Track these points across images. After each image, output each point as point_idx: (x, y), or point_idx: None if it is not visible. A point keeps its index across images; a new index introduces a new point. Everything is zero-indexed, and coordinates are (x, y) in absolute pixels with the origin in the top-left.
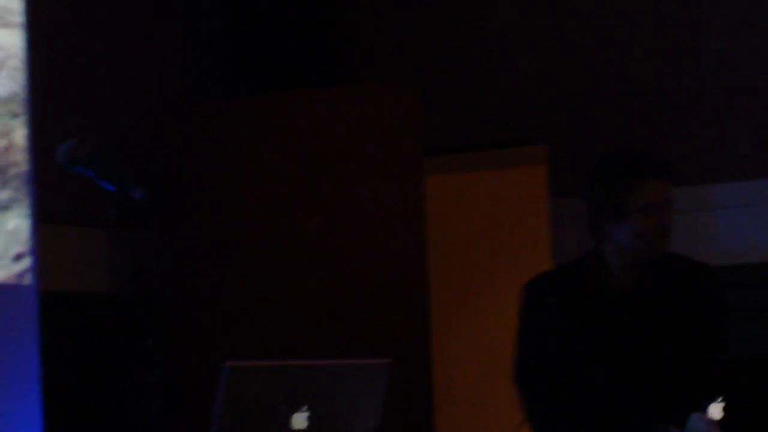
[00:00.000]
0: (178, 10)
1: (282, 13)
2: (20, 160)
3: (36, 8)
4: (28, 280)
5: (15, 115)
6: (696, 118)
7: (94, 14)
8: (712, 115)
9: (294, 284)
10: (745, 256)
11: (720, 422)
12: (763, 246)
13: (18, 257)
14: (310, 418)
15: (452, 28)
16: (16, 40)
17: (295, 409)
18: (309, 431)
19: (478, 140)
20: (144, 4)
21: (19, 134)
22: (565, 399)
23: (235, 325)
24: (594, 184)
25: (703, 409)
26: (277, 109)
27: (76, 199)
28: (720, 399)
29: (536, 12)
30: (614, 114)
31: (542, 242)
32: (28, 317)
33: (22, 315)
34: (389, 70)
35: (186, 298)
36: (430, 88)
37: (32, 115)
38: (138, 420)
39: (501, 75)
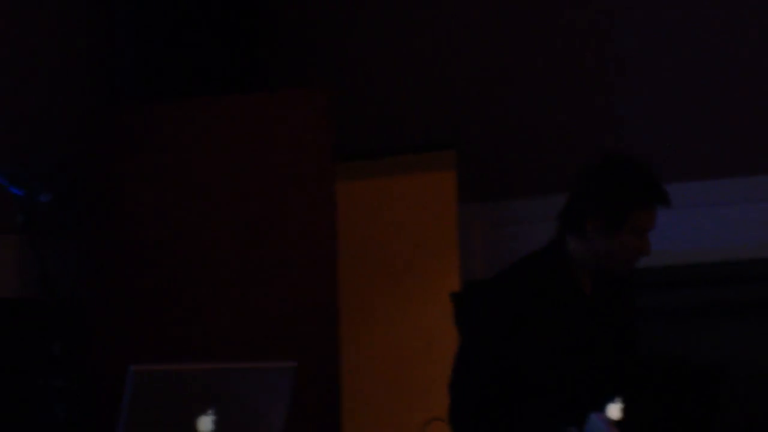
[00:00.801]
0: (93, 12)
1: (198, 18)
2: None
3: None
4: None
5: None
6: (603, 123)
7: (4, 15)
8: (619, 120)
9: (203, 288)
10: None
11: (618, 422)
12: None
13: None
14: (216, 421)
15: (365, 33)
16: None
17: (202, 412)
18: None
19: (387, 146)
20: (56, 5)
21: None
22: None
23: (143, 329)
24: (599, 184)
25: (603, 408)
26: (189, 116)
27: None
28: (618, 399)
29: (446, 17)
30: (524, 120)
31: (451, 247)
32: None
33: None
34: (303, 76)
35: (95, 302)
36: (342, 94)
37: None
38: (44, 424)
39: (411, 80)
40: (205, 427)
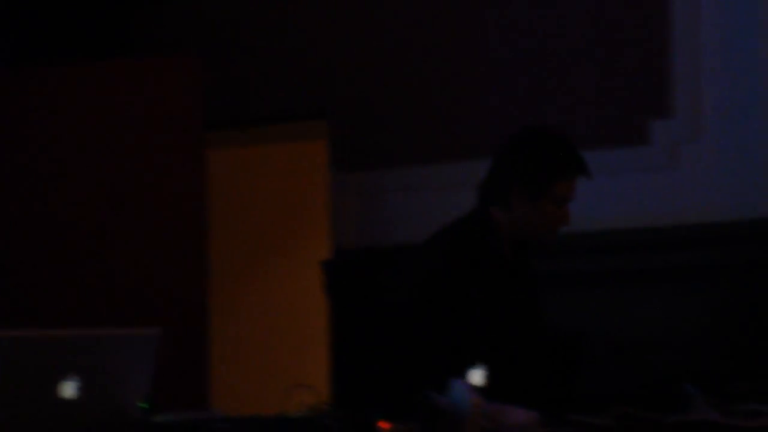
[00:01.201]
0: None
1: None
2: None
3: None
4: None
5: None
6: (470, 95)
7: None
8: (477, 93)
9: (72, 256)
10: None
11: (481, 388)
12: None
13: None
14: (79, 387)
15: (238, 2)
16: None
17: (63, 378)
18: (78, 401)
19: (259, 115)
20: None
21: None
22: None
23: (7, 295)
24: (523, 155)
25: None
26: (58, 82)
27: None
28: (481, 366)
29: None
30: (395, 90)
31: (322, 216)
32: None
33: None
34: (176, 43)
35: None
36: (213, 62)
37: None
38: None
39: (283, 50)
40: (68, 393)
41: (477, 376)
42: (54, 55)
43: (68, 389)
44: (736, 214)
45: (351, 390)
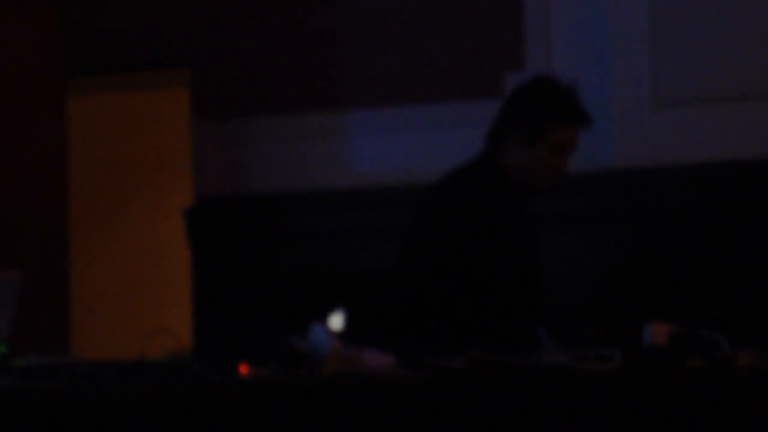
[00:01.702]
0: None
1: None
2: None
3: None
4: None
5: None
6: (331, 45)
7: None
8: (345, 42)
9: None
10: (377, 180)
11: (340, 333)
12: (392, 170)
13: None
14: None
15: None
16: None
17: None
18: None
19: (120, 62)
20: None
21: None
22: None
23: None
24: (522, 101)
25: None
26: None
27: None
28: (340, 309)
29: None
30: (257, 39)
31: (184, 165)
32: None
33: None
34: None
35: None
36: (75, 7)
37: None
38: None
39: None
40: None
41: (336, 321)
42: None
43: None
44: (585, 166)
45: (213, 335)
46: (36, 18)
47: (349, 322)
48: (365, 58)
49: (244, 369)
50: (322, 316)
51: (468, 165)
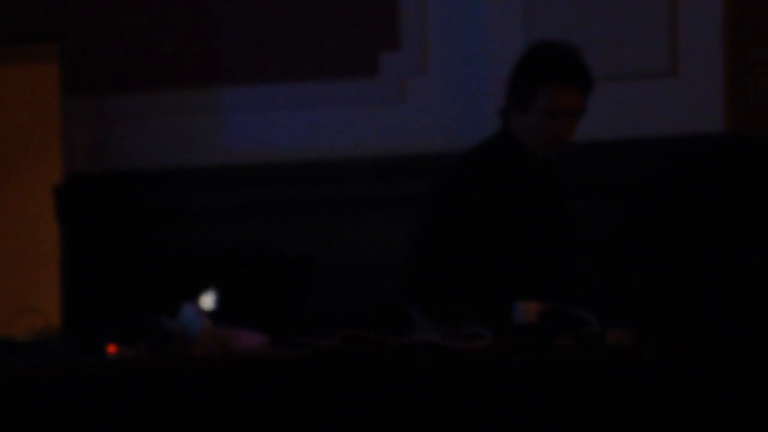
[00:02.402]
0: None
1: None
2: None
3: None
4: None
5: None
6: (200, 22)
7: None
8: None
9: None
10: (251, 158)
11: (211, 312)
12: (266, 148)
13: None
14: None
15: None
16: None
17: None
18: None
19: None
20: None
21: None
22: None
23: None
24: (520, 64)
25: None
26: None
27: None
28: (212, 289)
29: None
30: (128, 14)
31: (53, 141)
32: None
33: None
34: None
35: None
36: None
37: None
38: None
39: None
40: None
41: (208, 301)
42: None
43: None
44: (460, 145)
45: (82, 315)
46: None
47: (222, 301)
48: (241, 35)
49: (112, 349)
50: (194, 296)
51: (487, 137)
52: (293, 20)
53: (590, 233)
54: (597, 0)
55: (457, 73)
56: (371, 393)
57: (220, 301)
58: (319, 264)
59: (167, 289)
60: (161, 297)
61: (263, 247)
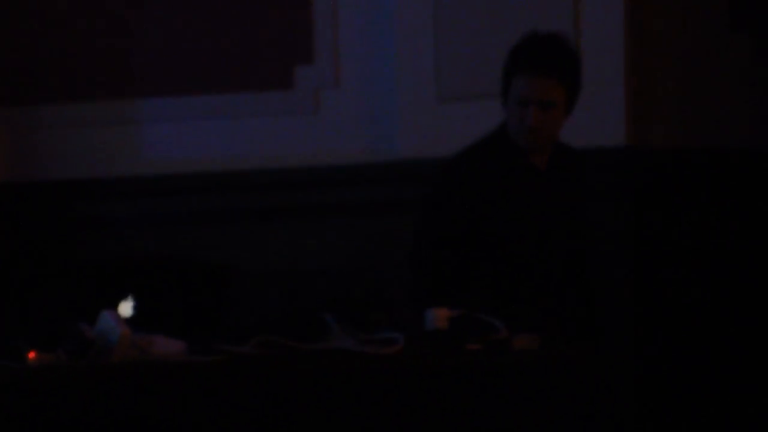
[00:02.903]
0: None
1: None
2: None
3: None
4: None
5: None
6: (120, 35)
7: None
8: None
9: None
10: (168, 168)
11: (129, 319)
12: (184, 158)
13: None
14: None
15: None
16: None
17: None
18: None
19: None
20: None
21: None
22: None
23: None
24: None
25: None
26: None
27: None
28: (130, 296)
29: None
30: (47, 29)
31: None
32: None
33: None
34: None
35: None
36: None
37: None
38: None
39: None
40: None
41: (126, 308)
42: None
43: None
44: (372, 156)
45: (2, 322)
46: None
47: (140, 309)
48: (159, 48)
49: (32, 355)
50: (113, 304)
51: (488, 131)
52: (211, 34)
53: None
54: (505, 17)
55: (368, 86)
56: (288, 398)
57: (138, 309)
58: (235, 272)
59: (86, 297)
60: (80, 304)
61: (180, 256)
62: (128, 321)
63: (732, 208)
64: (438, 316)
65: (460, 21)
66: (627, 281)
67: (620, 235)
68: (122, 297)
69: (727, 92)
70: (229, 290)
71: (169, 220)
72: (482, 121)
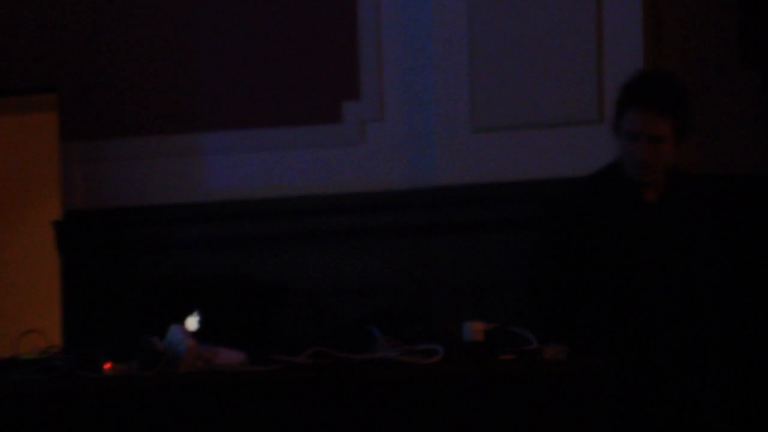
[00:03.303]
0: None
1: None
2: None
3: None
4: None
5: None
6: (183, 73)
7: None
8: (200, 72)
9: None
10: (228, 195)
11: (195, 333)
12: (243, 186)
13: None
14: None
15: None
16: None
17: None
18: None
19: None
20: None
21: None
22: (575, 307)
23: None
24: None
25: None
26: None
27: None
28: (196, 312)
29: None
30: (120, 67)
31: (53, 185)
32: None
33: None
34: None
35: None
36: None
37: None
38: None
39: (15, 25)
40: None
41: (192, 322)
42: None
43: None
44: (413, 183)
45: (80, 336)
46: None
47: (204, 323)
48: (221, 86)
49: (108, 366)
50: (180, 319)
51: (595, 172)
52: (267, 73)
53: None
54: (535, 58)
55: (409, 119)
56: (340, 403)
57: (203, 323)
58: (290, 289)
59: (156, 313)
60: (151, 319)
61: (240, 275)
62: (194, 334)
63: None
64: (475, 329)
65: (492, 59)
66: None
67: None
68: (189, 313)
69: (737, 125)
70: (285, 306)
71: (230, 243)
72: (512, 150)
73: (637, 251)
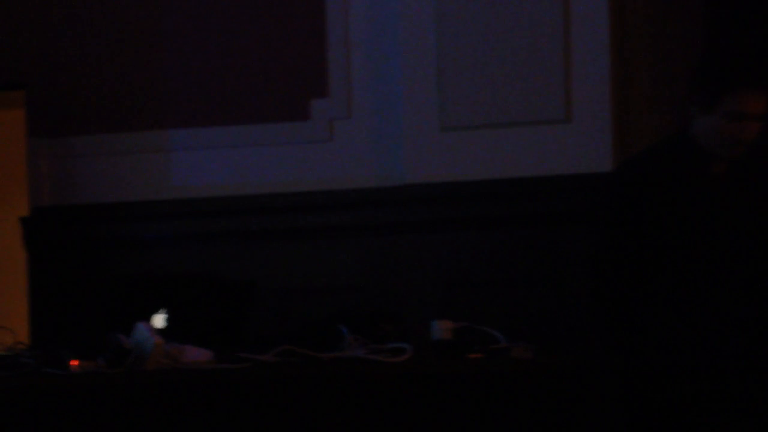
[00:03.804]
0: None
1: None
2: None
3: None
4: None
5: None
6: (149, 69)
7: None
8: (167, 68)
9: None
10: (195, 192)
11: (162, 330)
12: (210, 183)
13: None
14: None
15: None
16: None
17: None
18: None
19: None
20: None
21: None
22: (642, 287)
23: None
24: (699, 67)
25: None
26: None
27: None
28: (163, 309)
29: None
30: (85, 64)
31: (20, 181)
32: None
33: None
34: None
35: None
36: None
37: None
38: None
39: None
40: None
41: (159, 320)
42: None
43: None
44: (381, 181)
45: (48, 333)
46: None
47: (171, 321)
48: (186, 83)
49: (74, 362)
50: (147, 316)
51: (663, 137)
52: (235, 70)
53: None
54: (503, 57)
55: (377, 117)
56: (306, 401)
57: (170, 321)
58: (258, 287)
59: (123, 310)
60: (118, 317)
61: (208, 273)
62: (161, 332)
63: None
64: (442, 328)
65: (461, 58)
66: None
67: None
68: (155, 310)
69: None
70: (253, 304)
71: (197, 240)
72: (480, 149)
73: (705, 225)
